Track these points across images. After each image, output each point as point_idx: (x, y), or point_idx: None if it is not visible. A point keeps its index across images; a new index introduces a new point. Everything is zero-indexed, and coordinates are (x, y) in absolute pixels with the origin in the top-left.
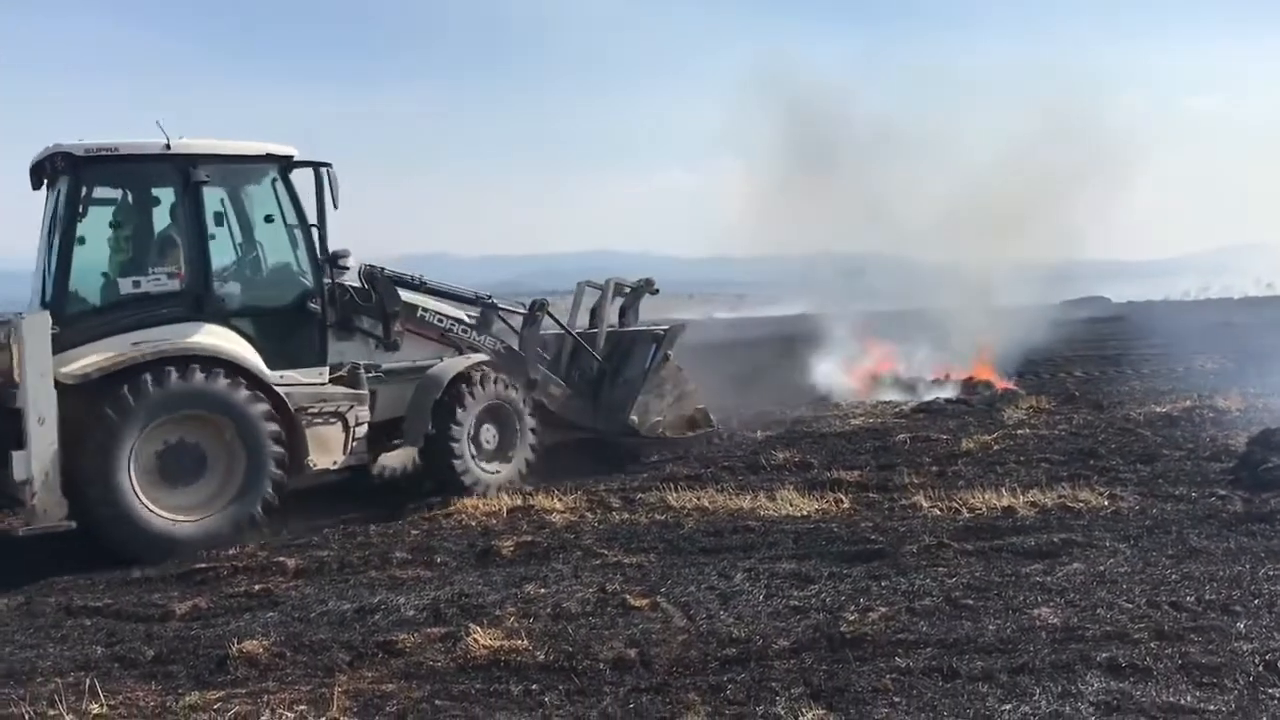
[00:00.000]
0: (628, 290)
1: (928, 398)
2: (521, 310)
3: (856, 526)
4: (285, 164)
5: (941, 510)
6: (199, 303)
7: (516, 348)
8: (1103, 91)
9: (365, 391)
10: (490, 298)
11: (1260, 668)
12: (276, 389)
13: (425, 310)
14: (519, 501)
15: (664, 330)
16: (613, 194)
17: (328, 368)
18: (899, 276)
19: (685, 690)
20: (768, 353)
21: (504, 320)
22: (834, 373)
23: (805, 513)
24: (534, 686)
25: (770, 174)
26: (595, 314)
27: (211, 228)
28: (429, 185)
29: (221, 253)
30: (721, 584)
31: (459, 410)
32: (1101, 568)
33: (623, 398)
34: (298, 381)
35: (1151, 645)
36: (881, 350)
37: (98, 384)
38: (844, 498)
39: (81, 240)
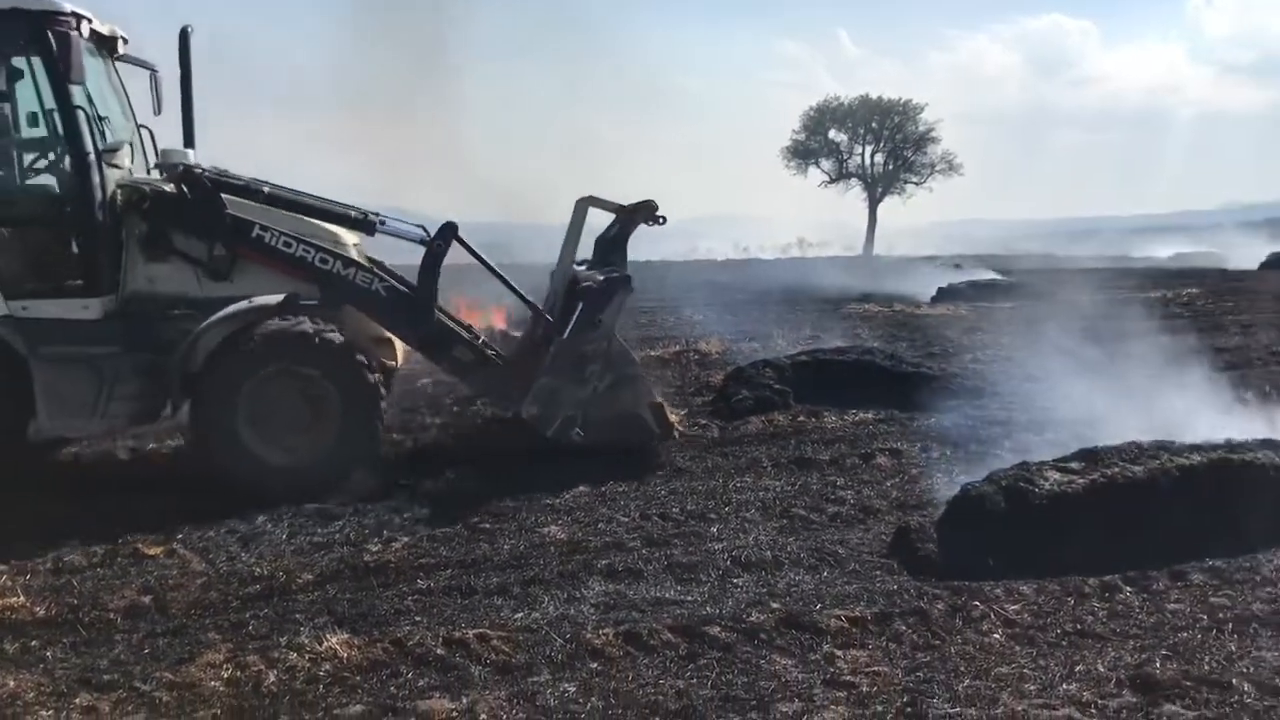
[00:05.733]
0: (616, 216)
1: None
2: (420, 237)
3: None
4: (42, 22)
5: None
6: None
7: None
8: (610, 66)
9: (170, 331)
10: (378, 216)
11: (729, 563)
12: None
13: (266, 230)
14: None
15: (596, 283)
16: None
17: (104, 298)
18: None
19: (205, 630)
20: None
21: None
22: None
23: None
24: (34, 642)
25: (318, 118)
26: (600, 247)
27: None
28: None
29: None
30: (242, 527)
31: (230, 373)
32: (604, 489)
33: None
34: (45, 315)
35: (643, 551)
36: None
37: None
38: None
39: None
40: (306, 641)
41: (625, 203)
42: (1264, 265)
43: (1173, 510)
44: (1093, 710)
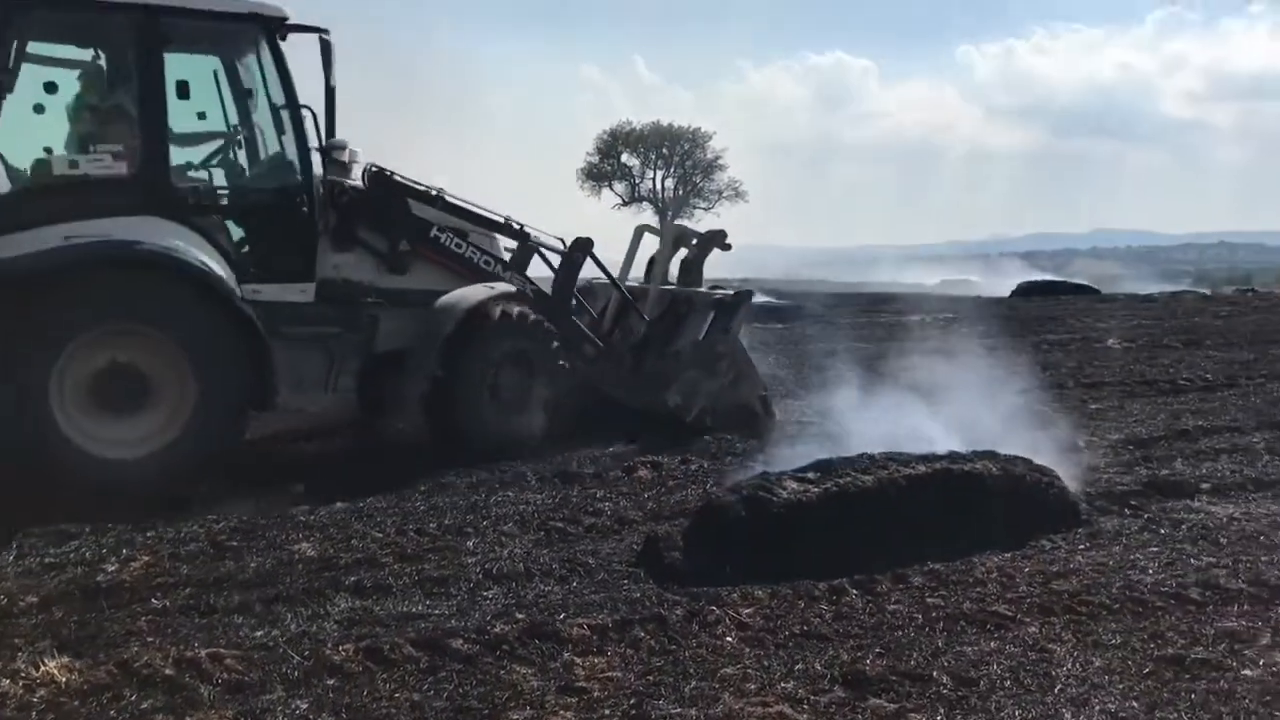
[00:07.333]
0: (694, 241)
1: None
2: (559, 249)
3: None
4: (274, 27)
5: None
6: (151, 193)
7: (550, 291)
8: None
9: (363, 316)
10: (524, 226)
11: (481, 575)
12: (242, 305)
13: (442, 231)
14: None
15: (728, 295)
16: None
17: (314, 284)
18: None
19: None
20: None
21: (543, 257)
22: None
23: None
24: None
25: None
26: (652, 266)
27: (173, 100)
28: None
29: (184, 134)
30: None
31: (478, 349)
32: (362, 505)
33: (667, 372)
34: (275, 298)
35: (395, 566)
36: None
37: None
38: None
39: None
40: (22, 667)
41: (702, 230)
42: (1014, 293)
43: (899, 517)
44: (804, 706)
